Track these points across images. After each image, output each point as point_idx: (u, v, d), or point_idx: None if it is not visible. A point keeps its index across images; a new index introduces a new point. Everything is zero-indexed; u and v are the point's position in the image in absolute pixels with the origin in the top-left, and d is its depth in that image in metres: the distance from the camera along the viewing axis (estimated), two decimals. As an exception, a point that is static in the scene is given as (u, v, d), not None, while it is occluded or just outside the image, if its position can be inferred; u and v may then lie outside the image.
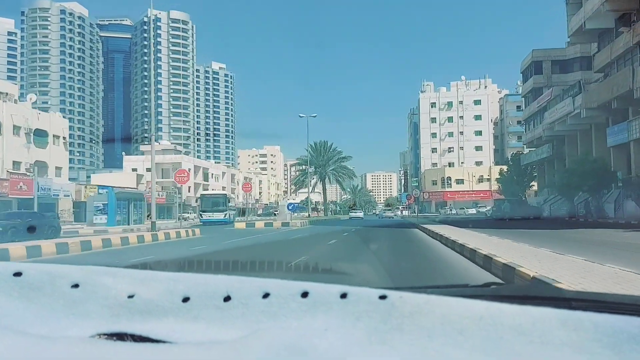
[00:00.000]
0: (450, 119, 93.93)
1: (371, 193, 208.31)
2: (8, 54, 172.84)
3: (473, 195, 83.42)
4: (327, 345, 0.64)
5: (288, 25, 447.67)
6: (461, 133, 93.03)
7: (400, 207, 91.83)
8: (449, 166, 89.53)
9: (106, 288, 0.80)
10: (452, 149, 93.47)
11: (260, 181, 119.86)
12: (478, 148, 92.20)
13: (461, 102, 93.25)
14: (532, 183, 57.04)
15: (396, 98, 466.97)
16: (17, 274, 0.82)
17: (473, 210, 72.75)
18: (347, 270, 7.43)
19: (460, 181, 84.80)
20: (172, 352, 0.65)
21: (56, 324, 0.74)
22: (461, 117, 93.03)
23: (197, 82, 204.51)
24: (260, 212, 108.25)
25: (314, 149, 67.73)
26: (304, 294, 0.75)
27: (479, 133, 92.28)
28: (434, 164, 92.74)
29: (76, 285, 0.80)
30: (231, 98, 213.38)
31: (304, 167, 68.18)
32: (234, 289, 0.78)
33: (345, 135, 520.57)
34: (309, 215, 51.43)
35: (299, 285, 0.77)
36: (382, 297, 0.72)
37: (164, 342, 0.69)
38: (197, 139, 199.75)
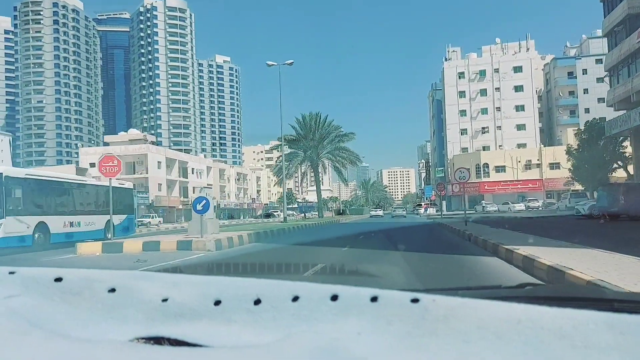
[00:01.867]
0: (483, 92, 76.06)
1: (387, 189, 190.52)
2: (6, 53, 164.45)
3: (519, 186, 65.60)
4: (360, 349, 0.64)
5: (294, 7, 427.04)
6: (498, 109, 75.15)
7: (423, 203, 74.61)
8: (484, 150, 71.49)
9: (141, 292, 0.81)
10: (486, 130, 75.57)
11: (258, 177, 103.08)
12: (520, 127, 74.17)
13: (497, 70, 75.40)
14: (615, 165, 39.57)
15: (414, 83, 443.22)
16: (58, 280, 0.83)
17: (521, 206, 55.16)
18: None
19: (500, 169, 66.81)
20: (210, 355, 0.66)
21: (96, 327, 0.76)
22: (497, 89, 75.20)
23: (201, 76, 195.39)
24: (260, 212, 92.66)
25: (302, 124, 51.15)
26: (334, 297, 0.74)
27: (520, 108, 74.25)
28: (464, 149, 75.07)
29: (113, 290, 0.82)
30: (236, 92, 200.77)
31: (290, 149, 50.90)
32: (264, 292, 0.78)
33: (359, 131, 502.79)
34: (285, 218, 34.30)
35: (328, 288, 0.76)
36: (414, 301, 0.71)
37: (200, 345, 0.70)
38: (202, 136, 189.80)
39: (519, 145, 71.55)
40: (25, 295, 0.81)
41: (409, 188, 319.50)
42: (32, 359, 0.65)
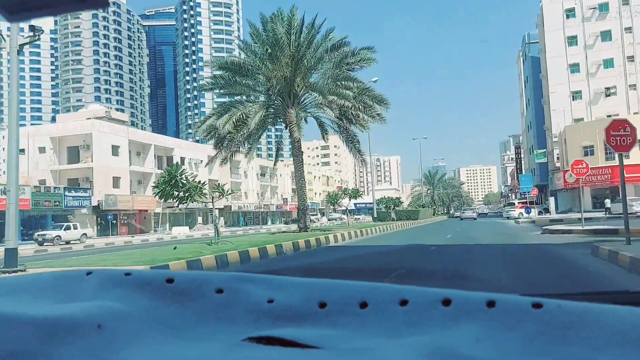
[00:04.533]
0: (605, 36, 51.42)
1: (463, 185, 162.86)
2: (51, 54, 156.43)
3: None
4: (480, 355, 0.61)
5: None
6: (630, 59, 50.46)
7: (517, 202, 51.35)
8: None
9: (247, 293, 0.82)
10: (613, 90, 50.98)
11: (292, 173, 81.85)
12: (668, 83, 49.24)
13: (626, 2, 50.76)
14: None
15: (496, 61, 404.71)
16: (169, 281, 0.86)
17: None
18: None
19: (651, 143, 42.66)
20: (323, 357, 0.65)
21: (206, 327, 0.78)
22: (628, 30, 50.59)
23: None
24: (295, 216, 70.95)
25: (260, 36, 24.02)
26: (446, 302, 0.72)
27: (669, 54, 49.36)
28: (578, 120, 50.92)
29: (220, 291, 0.83)
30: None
31: (231, 87, 26.10)
32: (370, 295, 0.76)
33: (433, 126, 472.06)
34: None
35: (439, 292, 0.74)
36: (537, 306, 0.67)
37: (310, 347, 0.69)
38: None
39: (668, 111, 46.93)
40: (140, 296, 0.84)
41: (490, 187, 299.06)
42: (148, 358, 0.66)
